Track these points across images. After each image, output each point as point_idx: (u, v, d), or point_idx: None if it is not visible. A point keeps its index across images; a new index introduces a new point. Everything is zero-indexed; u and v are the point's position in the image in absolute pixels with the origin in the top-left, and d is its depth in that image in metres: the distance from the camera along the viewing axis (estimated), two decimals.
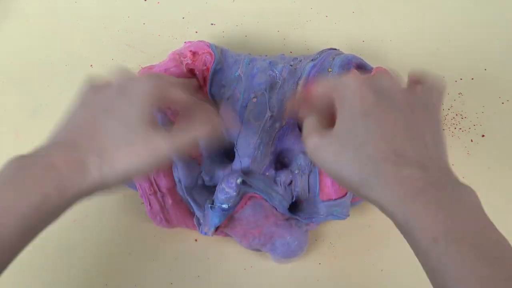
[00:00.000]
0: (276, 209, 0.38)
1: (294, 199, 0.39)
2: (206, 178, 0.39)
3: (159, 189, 0.39)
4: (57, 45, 0.48)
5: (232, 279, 0.40)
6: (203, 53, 0.40)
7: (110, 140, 0.30)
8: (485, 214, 0.27)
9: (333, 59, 0.41)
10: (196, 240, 0.41)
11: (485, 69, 0.46)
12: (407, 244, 0.40)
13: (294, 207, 0.39)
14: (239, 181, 0.36)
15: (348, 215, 0.39)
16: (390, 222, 0.42)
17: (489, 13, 0.48)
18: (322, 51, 0.42)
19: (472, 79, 0.46)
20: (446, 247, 0.24)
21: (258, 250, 0.40)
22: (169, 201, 0.39)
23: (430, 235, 0.25)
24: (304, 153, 0.38)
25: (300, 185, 0.38)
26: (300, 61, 0.41)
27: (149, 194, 0.39)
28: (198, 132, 0.33)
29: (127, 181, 0.32)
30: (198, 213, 0.38)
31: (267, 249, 0.39)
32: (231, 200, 0.36)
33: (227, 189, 0.36)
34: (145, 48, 0.48)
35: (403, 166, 0.27)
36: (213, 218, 0.36)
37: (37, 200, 0.28)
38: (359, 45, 0.47)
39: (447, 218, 0.25)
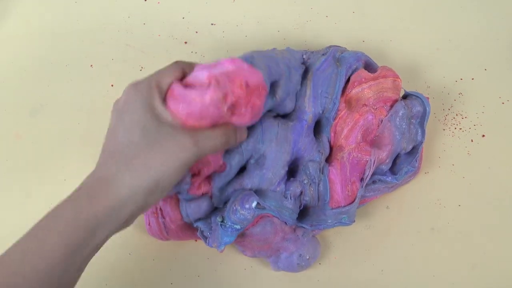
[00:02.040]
0: (286, 223, 0.37)
1: (301, 207, 0.38)
2: (218, 204, 0.38)
3: (162, 215, 0.38)
4: (57, 45, 0.48)
5: (232, 279, 0.40)
6: (258, 86, 0.33)
7: (129, 146, 0.30)
8: None
9: (342, 53, 0.41)
10: (196, 240, 0.41)
11: (485, 69, 0.46)
12: (407, 244, 0.41)
13: (300, 214, 0.39)
14: (254, 204, 0.35)
15: (354, 221, 0.39)
16: (390, 222, 0.43)
17: (489, 13, 0.48)
18: (330, 46, 0.42)
19: (472, 79, 0.46)
20: None
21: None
22: (171, 226, 0.38)
23: None
24: (313, 161, 0.38)
25: (309, 195, 0.38)
26: (312, 52, 0.41)
27: (150, 216, 0.38)
28: (218, 139, 0.32)
29: (159, 192, 0.30)
30: (203, 226, 0.37)
31: (270, 260, 0.39)
32: (245, 223, 0.35)
33: (241, 211, 0.35)
34: (145, 48, 0.47)
35: None
36: (224, 237, 0.35)
37: (70, 216, 0.29)
38: (359, 45, 0.47)
39: None
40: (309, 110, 0.38)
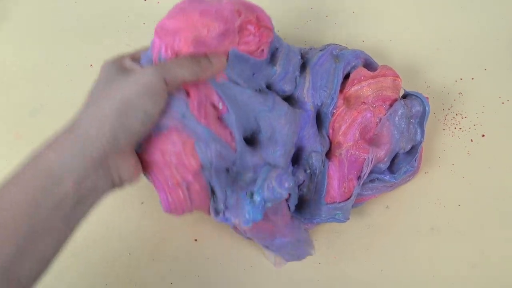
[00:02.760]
0: (289, 208, 0.37)
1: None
2: (236, 165, 0.35)
3: (183, 178, 0.33)
4: (57, 45, 0.48)
5: (232, 279, 0.41)
6: (267, 28, 0.36)
7: (94, 93, 0.31)
8: None
9: (341, 50, 0.41)
10: (196, 240, 0.41)
11: (485, 69, 0.46)
12: (407, 244, 0.41)
13: (296, 206, 0.39)
14: (291, 184, 0.34)
15: (349, 218, 0.39)
16: (390, 222, 0.43)
17: (489, 13, 0.48)
18: (329, 44, 0.42)
19: (472, 79, 0.46)
20: None
21: (250, 239, 0.39)
22: (196, 187, 0.34)
23: None
24: (316, 152, 0.38)
25: (307, 185, 0.38)
26: (310, 49, 0.41)
27: (171, 188, 0.34)
28: (187, 63, 0.31)
29: (132, 117, 0.29)
30: (220, 196, 0.34)
31: (264, 243, 0.38)
32: (277, 201, 0.34)
33: (279, 189, 0.34)
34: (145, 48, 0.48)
35: None
36: (255, 213, 0.33)
37: (31, 164, 0.28)
38: (359, 45, 0.47)
39: None
40: (309, 101, 0.38)
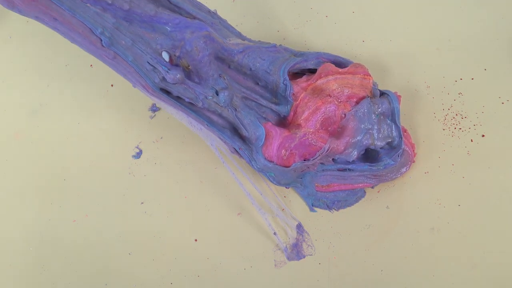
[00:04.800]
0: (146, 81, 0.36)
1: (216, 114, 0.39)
2: None
3: None
4: (57, 45, 0.48)
5: (232, 279, 0.41)
6: None
7: None
8: None
9: (300, 51, 0.42)
10: (196, 240, 0.41)
11: (485, 69, 0.46)
12: (407, 244, 0.41)
13: (239, 136, 0.40)
14: None
15: (278, 184, 0.40)
16: (390, 222, 0.43)
17: (489, 13, 0.48)
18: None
19: (472, 79, 0.46)
20: None
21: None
22: None
23: None
24: (226, 89, 0.38)
25: (228, 115, 0.38)
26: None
27: None
28: None
29: None
30: None
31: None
32: None
33: None
34: None
35: None
36: None
37: None
38: (359, 45, 0.47)
39: None
40: (236, 47, 0.39)
